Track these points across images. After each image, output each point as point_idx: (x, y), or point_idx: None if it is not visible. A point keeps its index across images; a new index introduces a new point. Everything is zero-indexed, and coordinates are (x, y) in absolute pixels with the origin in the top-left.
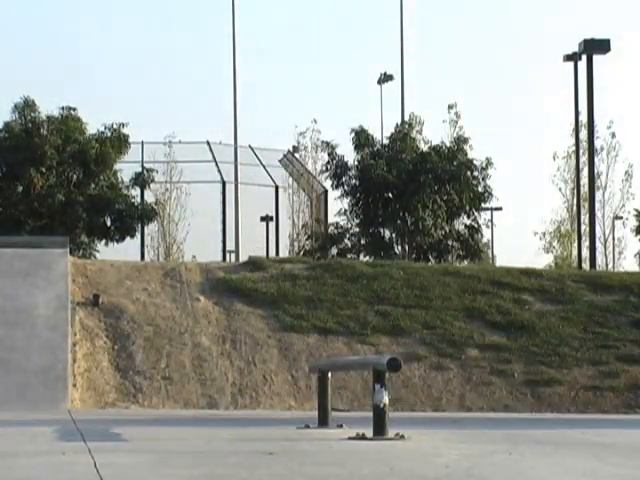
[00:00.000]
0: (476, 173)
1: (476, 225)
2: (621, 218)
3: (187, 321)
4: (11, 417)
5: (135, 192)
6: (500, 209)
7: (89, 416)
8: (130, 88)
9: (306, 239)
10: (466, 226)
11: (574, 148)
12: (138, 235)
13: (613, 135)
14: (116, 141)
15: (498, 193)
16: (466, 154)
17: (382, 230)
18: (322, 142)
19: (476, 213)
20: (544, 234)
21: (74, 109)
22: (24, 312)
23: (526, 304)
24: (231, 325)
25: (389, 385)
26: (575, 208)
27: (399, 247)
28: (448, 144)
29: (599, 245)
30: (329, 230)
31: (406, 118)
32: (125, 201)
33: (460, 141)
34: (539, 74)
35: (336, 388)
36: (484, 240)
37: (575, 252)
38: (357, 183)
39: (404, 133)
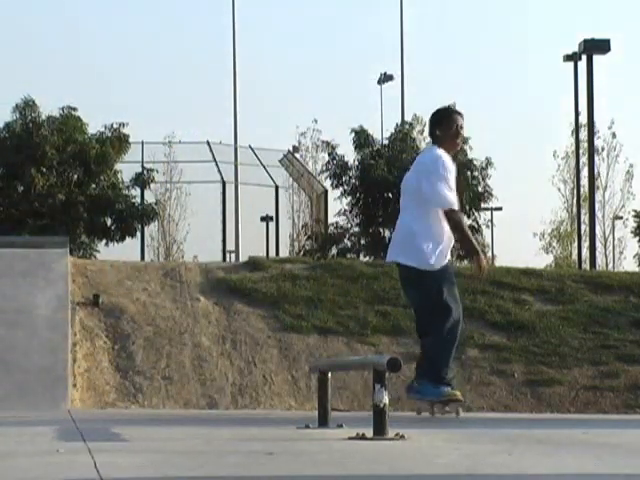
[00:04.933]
0: (476, 173)
1: (476, 225)
2: (621, 218)
3: (187, 321)
4: (11, 417)
5: (135, 192)
6: (500, 209)
7: (89, 416)
8: (130, 88)
9: (306, 239)
10: None
11: (573, 148)
12: (138, 235)
13: (614, 135)
14: (116, 141)
15: (498, 193)
16: (466, 154)
17: (382, 230)
18: (322, 142)
19: (476, 213)
20: (543, 234)
21: (74, 109)
22: (24, 312)
23: (526, 304)
24: (231, 325)
25: (389, 385)
26: (575, 208)
27: None
28: None
29: (599, 245)
30: (329, 230)
31: (406, 118)
32: (125, 201)
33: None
34: (539, 74)
35: (336, 388)
36: (484, 240)
37: (575, 252)
38: (357, 183)
39: (404, 133)
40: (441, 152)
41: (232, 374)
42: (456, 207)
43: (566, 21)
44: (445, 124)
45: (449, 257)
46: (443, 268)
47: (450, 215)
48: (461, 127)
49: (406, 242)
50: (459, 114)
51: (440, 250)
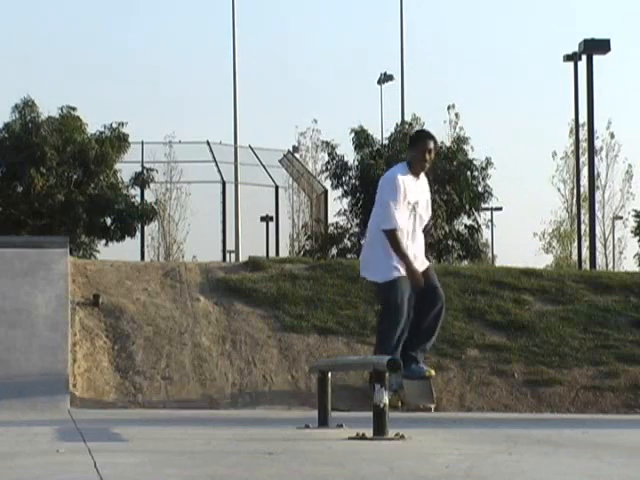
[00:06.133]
0: (476, 173)
1: (476, 225)
2: (621, 218)
3: (187, 321)
4: (11, 417)
5: (135, 192)
6: (500, 209)
7: (89, 416)
8: (130, 88)
9: (306, 239)
10: (466, 226)
11: (573, 148)
12: (138, 235)
13: (612, 135)
14: (116, 141)
15: (498, 193)
16: (466, 154)
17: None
18: (322, 142)
19: (476, 213)
20: (543, 234)
21: (74, 109)
22: (24, 312)
23: (526, 304)
24: (231, 325)
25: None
26: (575, 208)
27: None
28: (448, 144)
29: (599, 245)
30: (329, 230)
31: (406, 118)
32: (125, 201)
33: (460, 141)
34: (539, 74)
35: (336, 388)
36: (484, 240)
37: (575, 252)
38: (357, 183)
39: (404, 133)
40: (400, 174)
41: (232, 374)
42: (391, 227)
43: (566, 21)
44: (414, 146)
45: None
46: (396, 279)
47: (385, 234)
48: (429, 151)
49: (366, 255)
50: (430, 138)
51: (392, 262)
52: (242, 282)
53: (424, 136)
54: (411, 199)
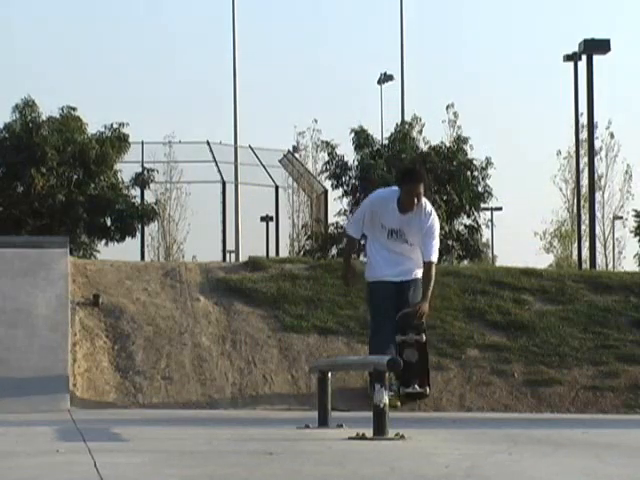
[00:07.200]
0: (476, 173)
1: (476, 225)
2: (621, 218)
3: (187, 321)
4: (11, 417)
5: (135, 192)
6: (500, 209)
7: (89, 416)
8: (130, 88)
9: (306, 239)
10: (466, 226)
11: (575, 148)
12: (138, 235)
13: (612, 135)
14: (116, 141)
15: (498, 193)
16: (466, 154)
17: None
18: (322, 142)
19: (476, 213)
20: (544, 234)
21: (74, 109)
22: (24, 312)
23: (526, 304)
24: (231, 325)
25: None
26: (575, 208)
27: None
28: (448, 144)
29: (599, 245)
30: (329, 230)
31: (406, 118)
32: (125, 201)
33: (460, 141)
34: (539, 74)
35: (336, 388)
36: (484, 240)
37: (575, 252)
38: (357, 183)
39: (404, 133)
40: (379, 197)
41: (232, 374)
42: (347, 233)
43: (566, 21)
44: (403, 185)
45: (388, 272)
46: (375, 282)
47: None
48: (417, 195)
49: None
50: (418, 182)
51: (371, 265)
52: (242, 282)
53: (413, 179)
54: (387, 224)
